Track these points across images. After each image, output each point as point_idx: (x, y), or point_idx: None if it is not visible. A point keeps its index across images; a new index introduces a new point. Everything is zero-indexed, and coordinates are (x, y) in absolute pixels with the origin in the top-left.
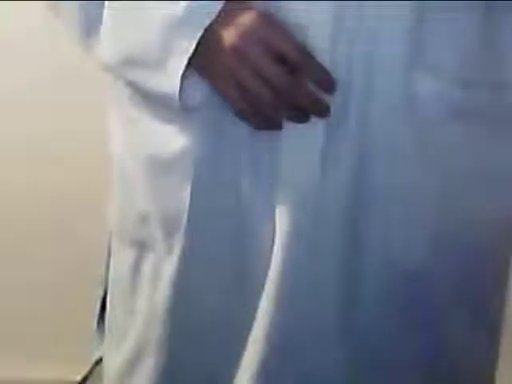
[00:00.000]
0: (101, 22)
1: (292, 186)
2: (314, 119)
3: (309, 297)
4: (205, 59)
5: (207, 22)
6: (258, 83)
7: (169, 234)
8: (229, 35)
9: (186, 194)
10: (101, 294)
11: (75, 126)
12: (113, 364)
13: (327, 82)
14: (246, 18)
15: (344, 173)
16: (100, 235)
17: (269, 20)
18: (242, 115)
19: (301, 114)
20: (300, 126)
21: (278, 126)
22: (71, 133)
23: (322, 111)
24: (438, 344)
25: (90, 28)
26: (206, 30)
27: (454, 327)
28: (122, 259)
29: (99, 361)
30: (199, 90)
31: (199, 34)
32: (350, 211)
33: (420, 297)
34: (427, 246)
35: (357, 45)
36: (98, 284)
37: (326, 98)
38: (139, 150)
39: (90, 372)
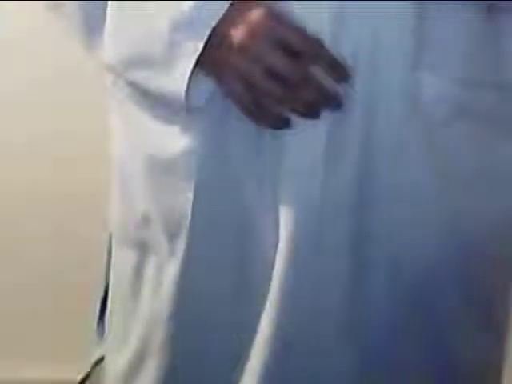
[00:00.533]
0: (102, 22)
1: (296, 185)
2: (317, 119)
3: (313, 298)
4: (212, 58)
5: (214, 22)
6: (268, 79)
7: (171, 235)
8: (236, 33)
9: (188, 196)
10: (101, 294)
11: (75, 125)
12: (114, 366)
13: (341, 70)
14: (253, 16)
15: (348, 172)
16: (100, 235)
17: (276, 16)
18: (250, 115)
19: (311, 109)
20: (303, 125)
21: (286, 125)
22: (71, 133)
23: (336, 102)
24: (443, 345)
25: (90, 28)
26: (213, 30)
27: (460, 328)
28: (124, 261)
29: (99, 361)
30: (204, 91)
31: (207, 34)
32: (354, 211)
33: (425, 297)
34: (432, 246)
35: (359, 45)
36: (98, 284)
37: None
38: (140, 151)
39: (90, 372)
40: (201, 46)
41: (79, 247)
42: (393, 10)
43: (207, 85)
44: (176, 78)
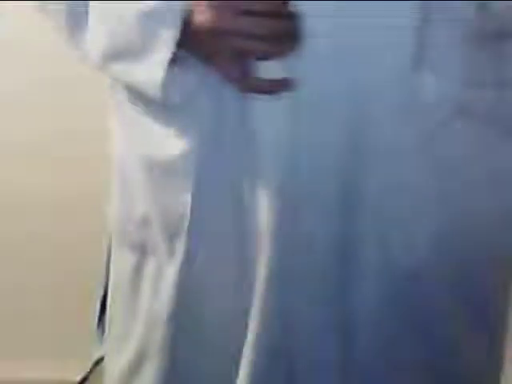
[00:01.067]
0: (85, 22)
1: (295, 185)
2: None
3: (310, 298)
4: (194, 50)
5: (182, 15)
6: (254, 40)
7: (170, 236)
8: (207, 18)
9: (187, 197)
10: (101, 294)
11: (75, 125)
12: (115, 367)
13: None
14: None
15: (347, 172)
16: (100, 235)
17: None
18: (254, 90)
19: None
20: (302, 126)
21: (291, 87)
22: (71, 133)
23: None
24: (438, 344)
25: (73, 28)
26: (186, 21)
27: (455, 327)
28: (123, 262)
29: (99, 361)
30: (183, 85)
31: (179, 24)
32: (352, 211)
33: (420, 297)
34: (427, 246)
35: (359, 45)
36: (98, 284)
37: None
38: (139, 151)
39: (90, 372)
40: (175, 36)
41: (79, 247)
42: (393, 9)
43: (186, 80)
44: (153, 68)
